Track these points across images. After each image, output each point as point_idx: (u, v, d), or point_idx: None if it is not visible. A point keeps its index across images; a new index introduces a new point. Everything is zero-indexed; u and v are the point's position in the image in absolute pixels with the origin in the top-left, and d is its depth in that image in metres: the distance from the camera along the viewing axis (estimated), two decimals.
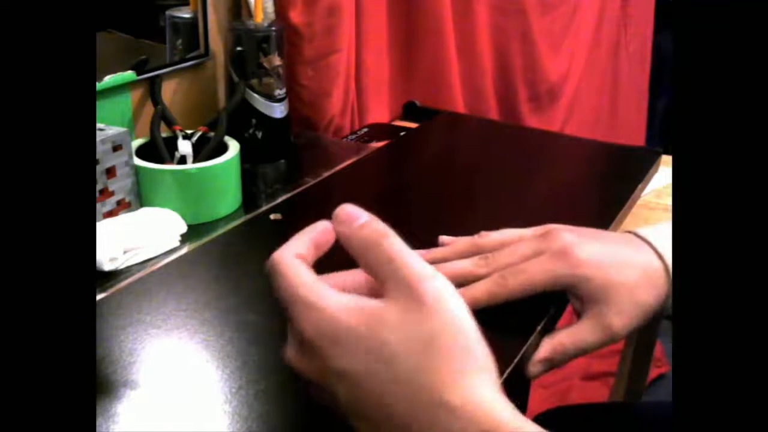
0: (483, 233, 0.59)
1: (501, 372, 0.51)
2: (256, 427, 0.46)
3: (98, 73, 0.77)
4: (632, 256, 0.54)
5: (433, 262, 0.55)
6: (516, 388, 0.83)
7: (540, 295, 0.55)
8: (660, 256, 0.54)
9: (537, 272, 0.53)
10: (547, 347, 0.53)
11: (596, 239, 0.55)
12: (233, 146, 0.78)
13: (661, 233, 0.55)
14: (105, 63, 0.78)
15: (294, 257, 0.42)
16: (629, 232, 0.57)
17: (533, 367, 0.53)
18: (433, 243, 0.66)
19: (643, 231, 0.56)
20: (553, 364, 0.53)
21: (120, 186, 0.70)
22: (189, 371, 0.51)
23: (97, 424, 0.45)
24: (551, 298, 0.56)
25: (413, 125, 1.14)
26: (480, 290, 0.53)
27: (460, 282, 0.54)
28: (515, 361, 0.53)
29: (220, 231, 0.72)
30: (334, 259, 0.46)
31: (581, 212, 0.78)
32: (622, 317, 0.52)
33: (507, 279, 0.53)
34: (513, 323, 0.58)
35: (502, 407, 0.37)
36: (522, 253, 0.55)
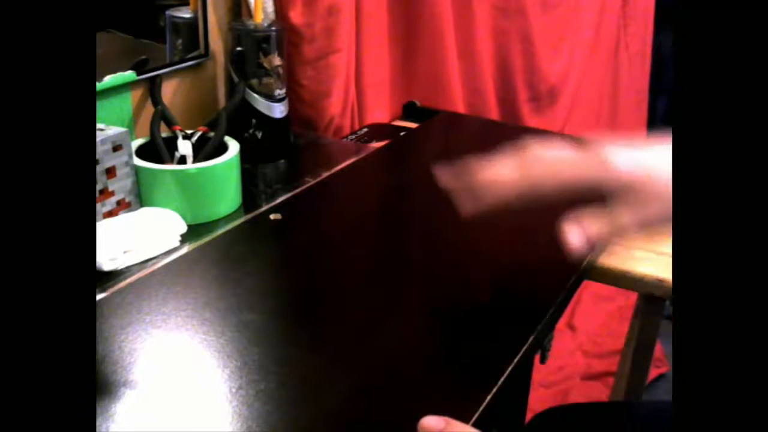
0: None
1: (503, 371, 0.51)
2: (256, 427, 0.46)
3: (98, 73, 0.77)
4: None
5: None
6: (517, 388, 0.84)
7: (537, 293, 0.55)
8: None
9: (565, 170, 0.53)
10: (586, 222, 0.52)
11: None
12: (233, 146, 0.78)
13: None
14: (105, 63, 0.78)
15: None
16: None
17: (572, 235, 0.52)
18: (432, 242, 0.67)
19: None
20: (591, 240, 0.52)
21: (120, 186, 0.70)
22: (189, 371, 0.51)
23: (97, 424, 0.45)
24: (548, 293, 0.56)
25: (413, 125, 1.14)
26: (509, 188, 0.54)
27: None
28: (515, 360, 0.53)
29: (220, 231, 0.72)
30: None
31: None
32: (660, 203, 0.50)
33: (533, 175, 0.53)
34: (513, 323, 0.58)
35: None
36: None
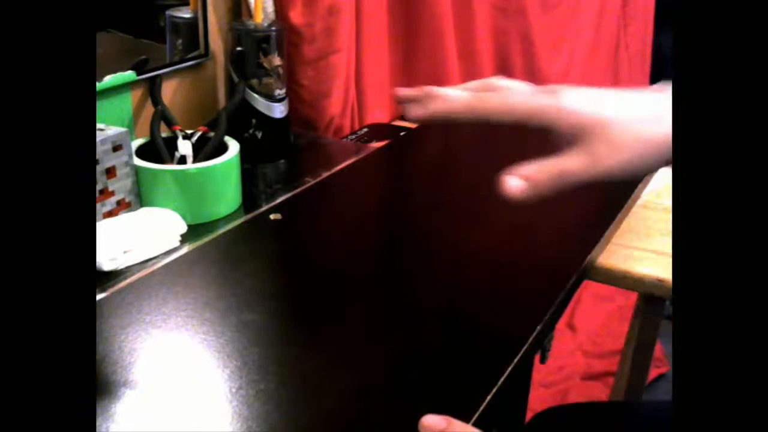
0: None
1: (503, 371, 0.51)
2: (256, 427, 0.46)
3: (98, 73, 0.77)
4: (640, 93, 0.50)
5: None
6: (517, 388, 0.84)
7: (537, 293, 0.55)
8: None
9: (519, 98, 0.51)
10: (528, 166, 0.49)
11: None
12: (233, 146, 0.78)
13: None
14: (105, 63, 0.78)
15: None
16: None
17: (511, 180, 0.49)
18: (432, 242, 0.66)
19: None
20: (531, 183, 0.49)
21: (120, 186, 0.70)
22: (189, 371, 0.51)
23: (97, 424, 0.45)
24: (548, 293, 0.56)
25: (413, 125, 1.14)
26: (460, 101, 0.52)
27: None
28: (515, 360, 0.53)
29: (220, 231, 0.72)
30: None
31: (582, 212, 0.78)
32: (612, 148, 0.48)
33: (488, 97, 0.51)
34: (513, 323, 0.58)
35: None
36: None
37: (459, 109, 0.52)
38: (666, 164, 0.49)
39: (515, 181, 0.49)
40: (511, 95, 0.51)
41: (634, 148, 0.48)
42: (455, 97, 0.52)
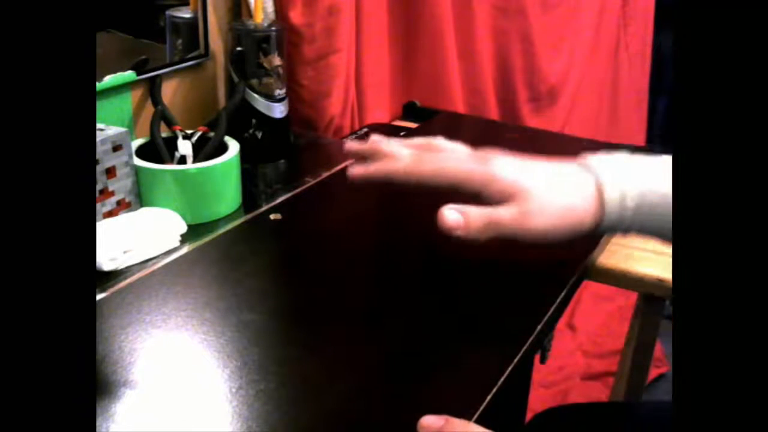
0: None
1: (503, 371, 0.51)
2: (256, 427, 0.46)
3: (98, 73, 0.77)
4: (562, 168, 0.55)
5: None
6: (516, 388, 0.84)
7: (537, 293, 0.55)
8: (597, 176, 0.54)
9: (453, 164, 0.55)
10: (466, 207, 0.54)
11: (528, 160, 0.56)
12: (233, 146, 0.78)
13: (610, 161, 0.56)
14: (105, 63, 0.78)
15: None
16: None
17: (449, 213, 0.53)
18: (432, 242, 0.66)
19: (593, 158, 0.57)
20: (465, 223, 0.53)
21: (120, 186, 0.70)
22: (189, 371, 0.51)
23: (97, 424, 0.45)
24: (548, 293, 0.56)
25: (413, 125, 1.14)
26: (398, 164, 0.57)
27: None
28: (515, 360, 0.53)
29: (220, 231, 0.72)
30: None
31: None
32: (540, 211, 0.52)
33: (425, 162, 0.56)
34: (513, 323, 0.58)
35: None
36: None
37: (398, 172, 0.57)
38: (588, 232, 0.54)
39: (452, 216, 0.53)
40: (446, 160, 0.56)
41: (558, 215, 0.53)
42: (396, 158, 0.58)
